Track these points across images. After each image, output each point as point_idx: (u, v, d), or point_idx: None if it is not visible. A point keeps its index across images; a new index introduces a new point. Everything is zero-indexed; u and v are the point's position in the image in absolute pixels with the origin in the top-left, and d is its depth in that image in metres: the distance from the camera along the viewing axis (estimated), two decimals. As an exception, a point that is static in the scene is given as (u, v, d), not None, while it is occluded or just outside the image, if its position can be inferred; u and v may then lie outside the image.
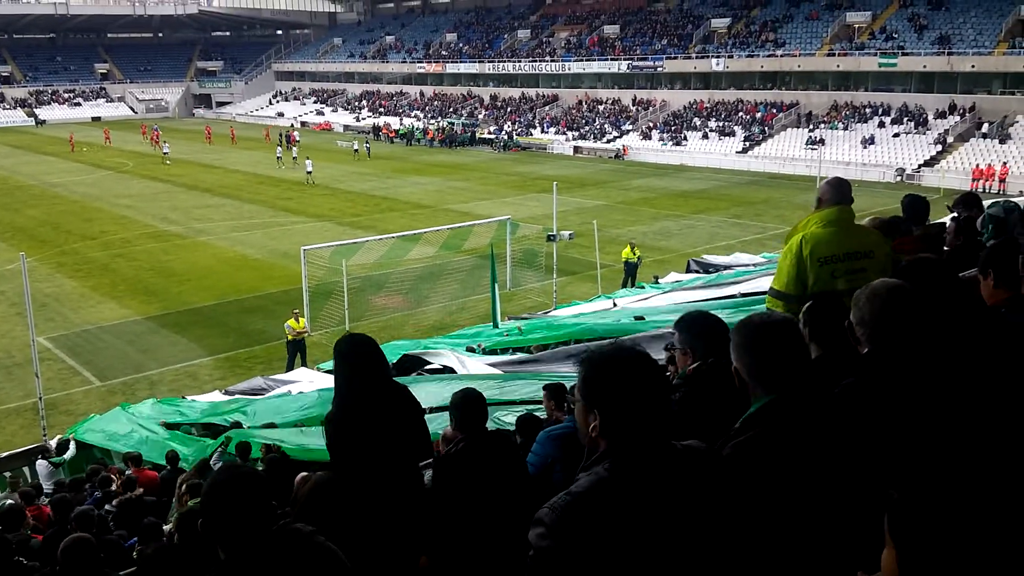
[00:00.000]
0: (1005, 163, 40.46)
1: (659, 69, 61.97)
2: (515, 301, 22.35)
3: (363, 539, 3.16)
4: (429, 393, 9.04)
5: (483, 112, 70.40)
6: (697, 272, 20.24)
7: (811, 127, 51.09)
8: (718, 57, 58.41)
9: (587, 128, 60.72)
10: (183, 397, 14.86)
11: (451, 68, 77.70)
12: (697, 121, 56.33)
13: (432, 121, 68.75)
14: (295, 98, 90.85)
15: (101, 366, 18.63)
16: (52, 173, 48.76)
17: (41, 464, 12.03)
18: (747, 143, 51.97)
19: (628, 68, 63.67)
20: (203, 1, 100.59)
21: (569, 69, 67.84)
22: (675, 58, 61.31)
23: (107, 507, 8.79)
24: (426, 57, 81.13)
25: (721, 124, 55.05)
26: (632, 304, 15.50)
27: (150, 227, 33.31)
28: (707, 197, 39.59)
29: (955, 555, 1.42)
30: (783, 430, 2.29)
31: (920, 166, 43.64)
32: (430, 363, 12.70)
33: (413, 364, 12.83)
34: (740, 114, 55.58)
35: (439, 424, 6.64)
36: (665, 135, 55.96)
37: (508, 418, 8.20)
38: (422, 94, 78.93)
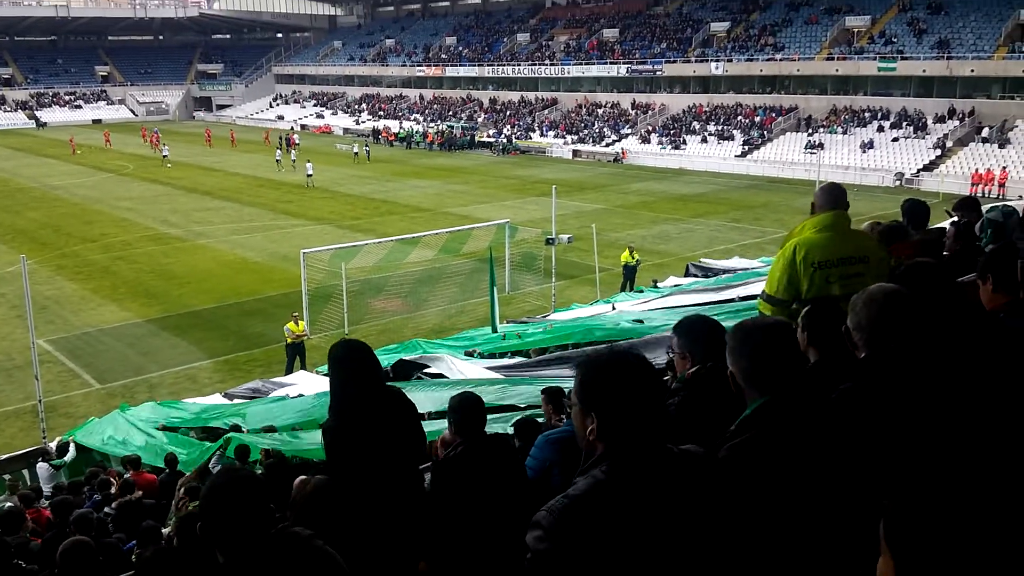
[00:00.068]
0: (1004, 167, 40.49)
1: (658, 73, 62.00)
2: (514, 304, 22.35)
3: (362, 543, 3.16)
4: (428, 398, 9.05)
5: (482, 115, 70.41)
6: (696, 276, 20.23)
7: (810, 131, 51.09)
8: (717, 61, 58.45)
9: (586, 132, 60.72)
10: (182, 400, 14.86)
11: (450, 71, 77.78)
12: (696, 125, 56.32)
13: (431, 124, 68.74)
14: (295, 101, 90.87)
15: (101, 369, 18.62)
16: (53, 175, 48.76)
17: (42, 467, 12.02)
18: (746, 147, 51.96)
19: (627, 72, 63.70)
20: (204, 4, 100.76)
21: (568, 73, 67.89)
22: (674, 62, 61.34)
23: (106, 510, 8.79)
24: (426, 60, 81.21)
25: (720, 128, 55.05)
26: (631, 308, 15.49)
27: (150, 230, 33.31)
28: (706, 201, 39.59)
29: (953, 563, 1.42)
30: (778, 432, 2.30)
31: (919, 170, 43.63)
32: (428, 367, 12.69)
33: (411, 369, 12.82)
34: (739, 118, 55.55)
35: (439, 428, 6.63)
36: (664, 139, 55.95)
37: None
38: (422, 97, 78.97)
